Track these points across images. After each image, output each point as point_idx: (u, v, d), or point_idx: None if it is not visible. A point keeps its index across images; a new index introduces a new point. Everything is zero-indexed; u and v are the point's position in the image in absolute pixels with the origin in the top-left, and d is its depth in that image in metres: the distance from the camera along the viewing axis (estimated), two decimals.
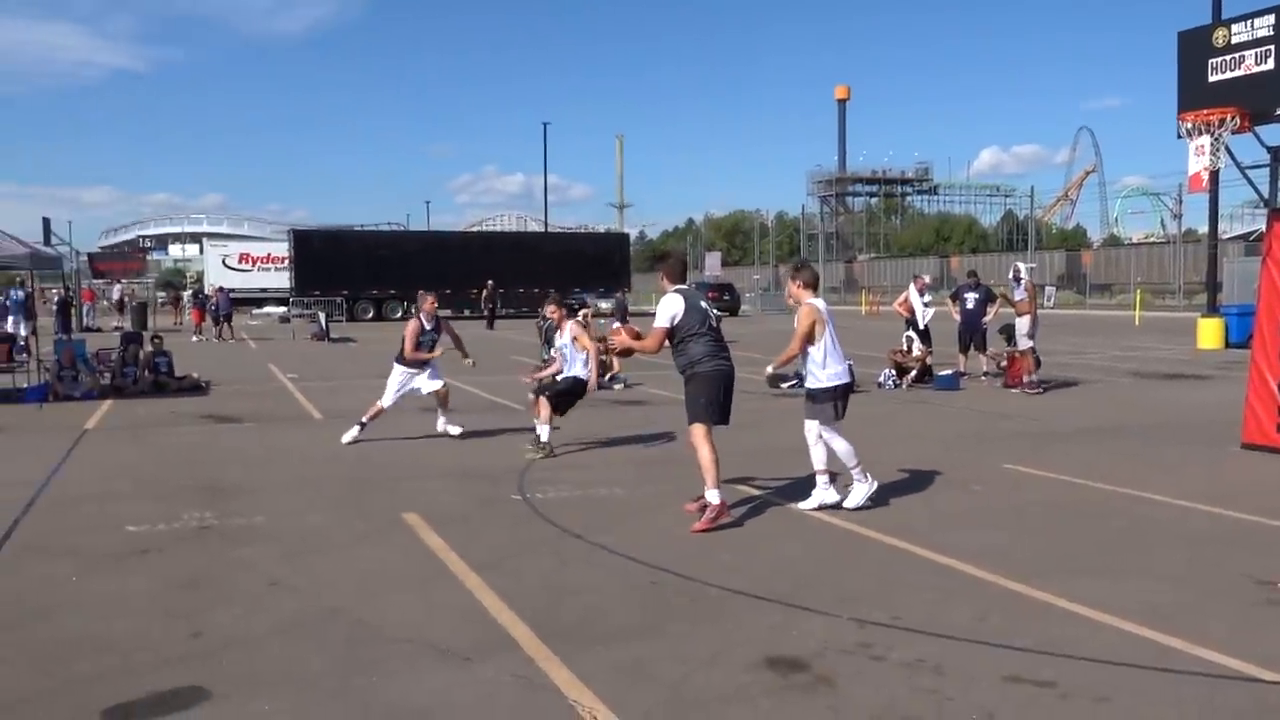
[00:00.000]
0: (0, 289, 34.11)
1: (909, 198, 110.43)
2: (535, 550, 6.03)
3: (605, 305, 31.43)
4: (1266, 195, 20.67)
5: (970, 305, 15.64)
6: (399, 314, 43.17)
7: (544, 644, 4.40)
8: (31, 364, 16.29)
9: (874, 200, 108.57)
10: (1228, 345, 22.48)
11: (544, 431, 9.02)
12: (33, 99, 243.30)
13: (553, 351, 10.24)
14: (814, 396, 6.97)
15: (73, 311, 32.01)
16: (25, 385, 14.79)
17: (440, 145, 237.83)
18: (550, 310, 9.86)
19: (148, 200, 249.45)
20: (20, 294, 25.82)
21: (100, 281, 46.28)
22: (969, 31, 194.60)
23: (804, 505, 6.94)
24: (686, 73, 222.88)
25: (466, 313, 41.02)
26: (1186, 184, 21.14)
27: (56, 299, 30.41)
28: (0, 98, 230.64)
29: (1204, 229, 32.36)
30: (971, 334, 15.62)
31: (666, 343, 6.75)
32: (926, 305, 16.03)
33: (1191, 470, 8.45)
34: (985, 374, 15.60)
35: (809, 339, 6.86)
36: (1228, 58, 20.46)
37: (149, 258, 64.00)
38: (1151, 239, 79.86)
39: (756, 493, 7.55)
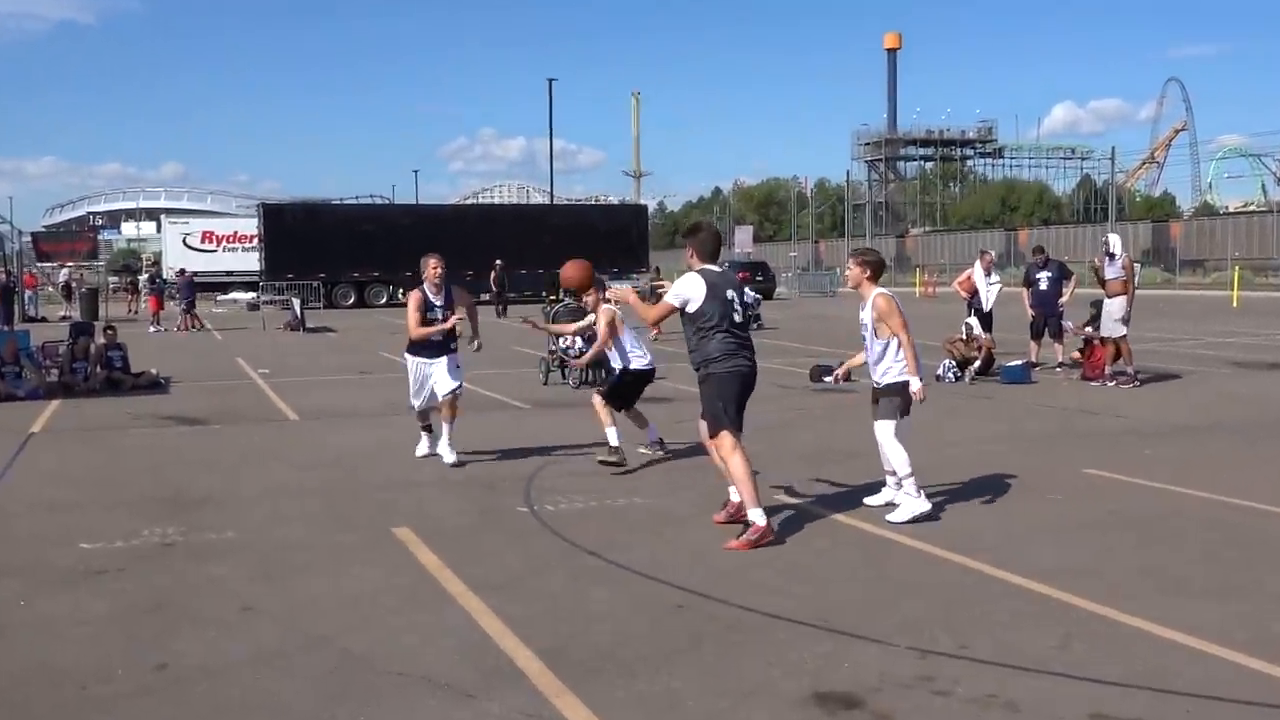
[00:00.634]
0: None
1: (970, 162, 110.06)
2: (544, 569, 6.04)
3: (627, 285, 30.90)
4: None
5: (1044, 286, 15.55)
6: (384, 300, 43.44)
7: (556, 677, 4.40)
8: None
9: (929, 165, 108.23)
10: None
11: (611, 435, 8.90)
12: None
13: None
14: (892, 391, 7.06)
15: (14, 299, 32.35)
16: None
17: (430, 105, 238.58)
18: (587, 297, 9.40)
19: (98, 172, 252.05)
20: None
21: (46, 265, 46.70)
22: None
23: (894, 518, 6.95)
24: (711, 19, 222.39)
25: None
26: None
27: None
28: None
29: None
30: (1045, 318, 15.53)
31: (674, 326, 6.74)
32: (992, 285, 15.95)
33: None
34: (1060, 364, 15.51)
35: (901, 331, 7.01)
36: None
37: (100, 237, 64.44)
38: (1251, 207, 79.28)
39: (799, 502, 7.54)
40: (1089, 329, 14.94)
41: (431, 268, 9.04)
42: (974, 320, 15.36)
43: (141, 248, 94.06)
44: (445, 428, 9.19)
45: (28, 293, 37.30)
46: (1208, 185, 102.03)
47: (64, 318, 33.51)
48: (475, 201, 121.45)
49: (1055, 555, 6.17)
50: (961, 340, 15.17)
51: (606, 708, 4.10)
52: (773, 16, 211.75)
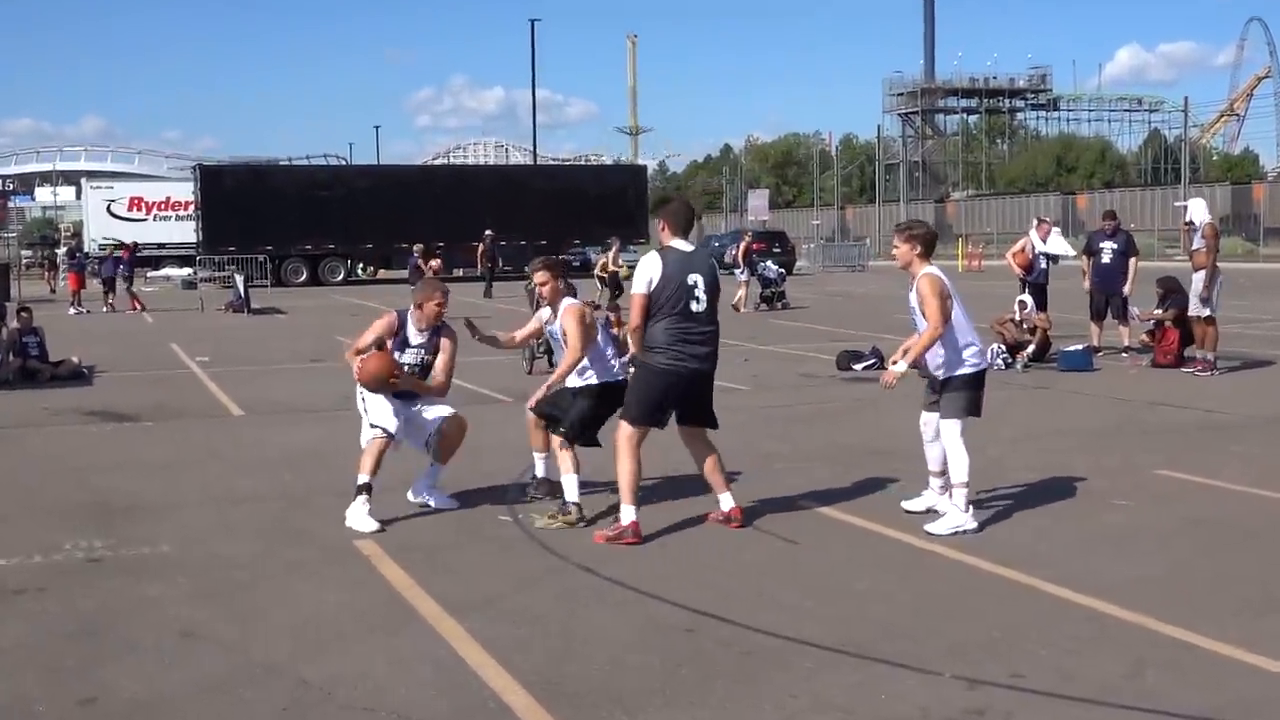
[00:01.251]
0: None
1: (1020, 115, 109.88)
2: (531, 587, 6.03)
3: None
4: None
5: (1107, 259, 15.52)
6: (340, 276, 43.28)
7: (547, 712, 4.40)
8: None
9: (973, 119, 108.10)
10: None
11: (569, 484, 7.31)
12: None
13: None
14: (956, 385, 7.07)
15: None
16: None
17: (394, 50, 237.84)
18: (539, 279, 7.72)
19: (6, 129, 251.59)
20: None
21: None
22: None
23: (934, 528, 6.96)
24: None
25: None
26: None
27: None
28: None
29: None
30: (1108, 297, 15.51)
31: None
32: (1051, 257, 15.98)
33: None
34: (1127, 349, 15.52)
35: (947, 315, 6.99)
36: None
37: (10, 205, 64.52)
38: None
39: (823, 507, 7.55)
40: (1158, 311, 14.89)
41: (435, 303, 7.69)
42: (1028, 298, 15.34)
43: (59, 216, 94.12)
44: (433, 467, 7.84)
45: None
46: None
47: None
48: (446, 162, 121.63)
49: (1123, 570, 6.17)
50: (1012, 321, 15.14)
51: None
52: None
